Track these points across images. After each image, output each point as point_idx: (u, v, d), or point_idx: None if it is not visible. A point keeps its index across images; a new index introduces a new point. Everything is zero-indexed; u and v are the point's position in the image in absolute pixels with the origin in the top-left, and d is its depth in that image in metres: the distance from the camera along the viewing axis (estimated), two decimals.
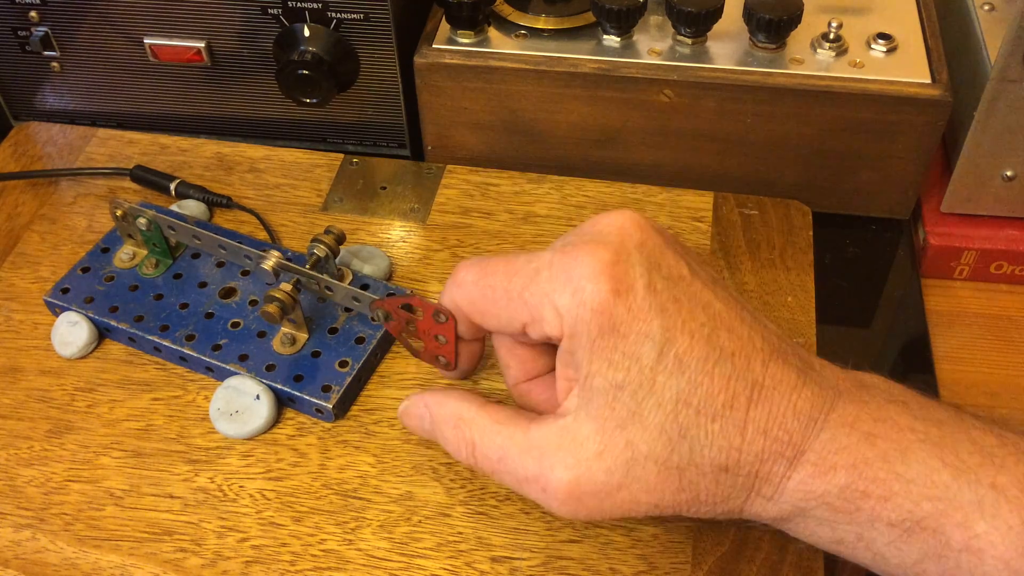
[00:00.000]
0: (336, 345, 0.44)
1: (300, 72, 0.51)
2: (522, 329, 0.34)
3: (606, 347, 0.31)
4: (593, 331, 0.31)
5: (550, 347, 0.36)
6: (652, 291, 0.31)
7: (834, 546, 0.32)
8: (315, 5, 0.51)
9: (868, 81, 0.49)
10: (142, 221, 0.46)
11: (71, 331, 0.46)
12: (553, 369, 0.35)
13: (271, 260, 0.43)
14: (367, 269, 0.47)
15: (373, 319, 0.41)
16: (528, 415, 0.34)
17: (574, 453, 0.31)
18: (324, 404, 0.42)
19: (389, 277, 0.49)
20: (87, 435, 0.43)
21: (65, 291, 0.47)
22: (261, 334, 0.45)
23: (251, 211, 0.52)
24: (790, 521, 0.32)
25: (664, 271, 0.32)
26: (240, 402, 0.42)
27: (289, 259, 0.44)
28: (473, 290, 0.35)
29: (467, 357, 0.40)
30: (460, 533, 0.39)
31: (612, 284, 0.31)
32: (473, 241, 0.50)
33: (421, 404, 0.37)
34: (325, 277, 0.43)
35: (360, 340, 0.44)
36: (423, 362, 0.42)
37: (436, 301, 0.38)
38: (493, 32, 0.53)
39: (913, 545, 0.30)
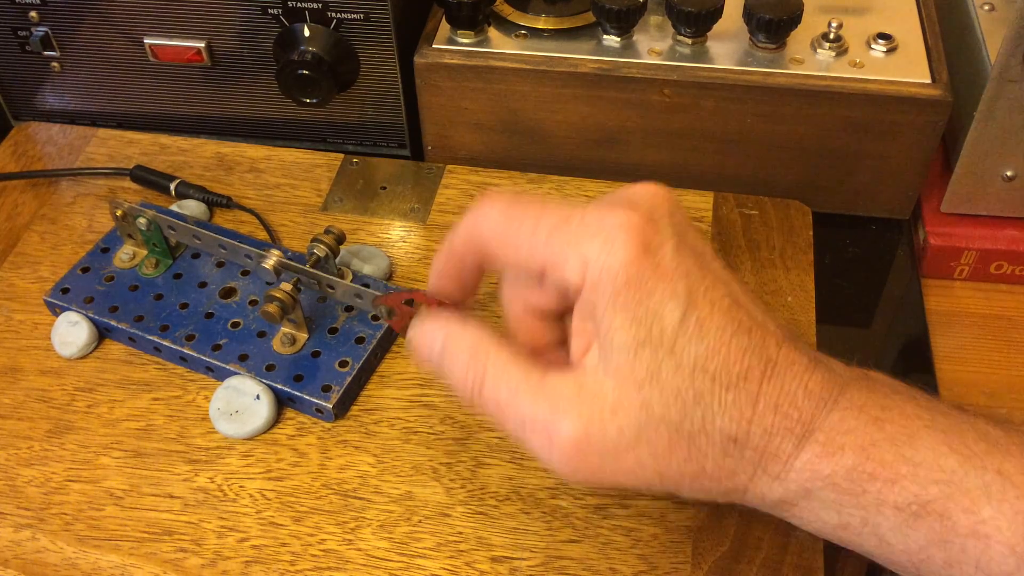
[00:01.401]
0: (336, 345, 0.44)
1: (300, 72, 0.51)
2: (540, 270, 0.33)
3: (630, 301, 0.31)
4: (619, 282, 0.31)
5: (559, 319, 0.36)
6: (680, 255, 0.31)
7: (839, 532, 0.32)
8: (315, 5, 0.51)
9: (868, 81, 0.49)
10: (142, 221, 0.46)
11: (71, 331, 0.46)
12: (560, 342, 0.35)
13: (272, 259, 0.43)
14: (367, 269, 0.47)
15: (376, 316, 0.41)
16: (544, 363, 0.33)
17: (588, 405, 0.31)
18: (324, 404, 0.42)
19: (389, 277, 0.49)
20: (87, 435, 0.43)
21: (65, 291, 0.47)
22: (261, 334, 0.45)
23: (251, 211, 0.52)
24: (795, 505, 0.32)
25: (690, 242, 0.32)
26: (240, 402, 0.42)
27: (289, 259, 0.44)
28: (498, 219, 0.33)
29: (462, 292, 0.37)
30: (460, 533, 0.39)
31: (643, 240, 0.31)
32: None
33: (437, 326, 0.35)
34: (326, 275, 0.43)
35: (360, 340, 0.44)
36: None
37: (438, 296, 0.37)
38: (493, 32, 0.53)
39: (919, 530, 0.30)
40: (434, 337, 0.35)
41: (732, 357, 0.31)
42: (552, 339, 0.36)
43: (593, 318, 0.32)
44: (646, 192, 0.33)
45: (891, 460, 0.30)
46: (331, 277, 0.43)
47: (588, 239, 0.31)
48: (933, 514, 0.30)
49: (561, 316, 0.35)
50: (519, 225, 0.33)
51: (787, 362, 0.31)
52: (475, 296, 0.37)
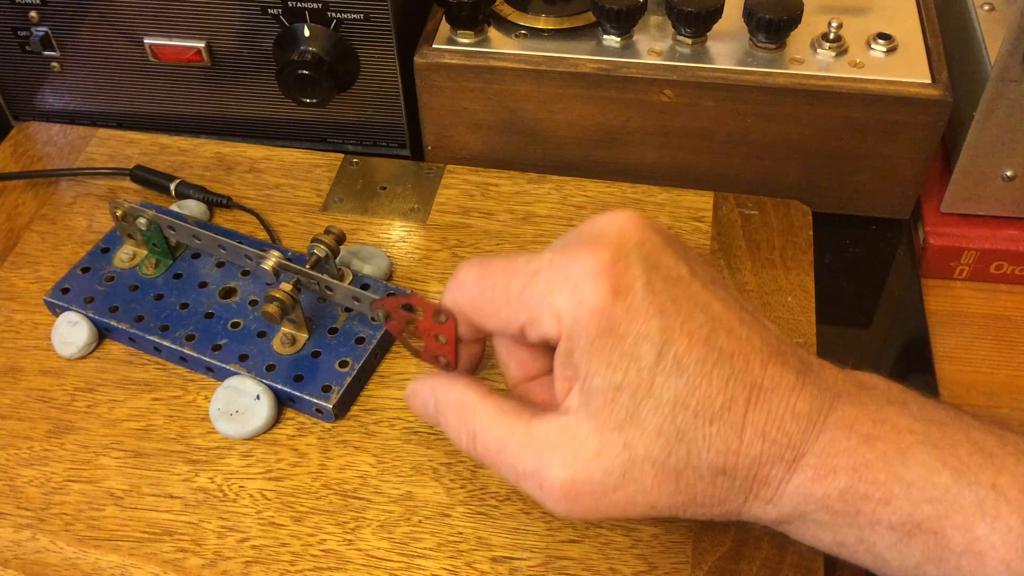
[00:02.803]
0: (336, 345, 0.44)
1: (300, 72, 0.51)
2: (520, 330, 0.34)
3: (604, 348, 0.31)
4: (592, 332, 0.31)
5: (549, 348, 0.36)
6: (651, 291, 0.31)
7: (835, 548, 0.32)
8: (315, 5, 0.51)
9: (868, 81, 0.49)
10: (142, 221, 0.46)
11: (71, 331, 0.46)
12: (552, 370, 0.35)
13: (271, 260, 0.43)
14: (367, 269, 0.47)
15: (373, 319, 0.41)
16: (531, 409, 0.34)
17: (572, 452, 0.31)
18: (324, 404, 0.42)
19: (389, 277, 0.49)
20: (87, 435, 0.43)
21: (65, 291, 0.47)
22: (261, 334, 0.45)
23: (251, 211, 0.52)
24: (790, 524, 0.32)
25: (663, 271, 0.32)
26: (240, 402, 0.42)
27: (289, 259, 0.44)
28: (473, 290, 0.35)
29: (467, 358, 0.40)
30: (460, 533, 0.39)
31: (611, 284, 0.31)
32: (473, 241, 0.50)
33: (427, 388, 0.37)
34: (325, 277, 0.43)
35: (360, 340, 0.44)
36: (423, 362, 0.42)
37: (436, 301, 0.38)
38: (493, 32, 0.53)
39: (914, 548, 0.30)
40: (425, 399, 0.37)
41: (714, 389, 0.31)
42: (543, 368, 0.37)
43: (572, 366, 0.32)
44: (611, 224, 0.33)
45: (884, 480, 0.30)
46: (329, 279, 0.43)
47: (557, 292, 0.32)
48: (927, 532, 0.30)
49: (550, 348, 0.35)
50: (491, 293, 0.34)
51: (772, 384, 0.31)
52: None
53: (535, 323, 0.33)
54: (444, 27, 0.53)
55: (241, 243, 0.45)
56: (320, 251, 0.44)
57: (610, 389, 0.31)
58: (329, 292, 0.43)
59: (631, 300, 0.31)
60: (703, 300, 0.32)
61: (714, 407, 0.30)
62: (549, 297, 0.32)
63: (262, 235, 0.50)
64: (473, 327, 0.36)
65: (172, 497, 0.41)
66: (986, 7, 0.51)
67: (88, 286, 0.47)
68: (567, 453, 0.32)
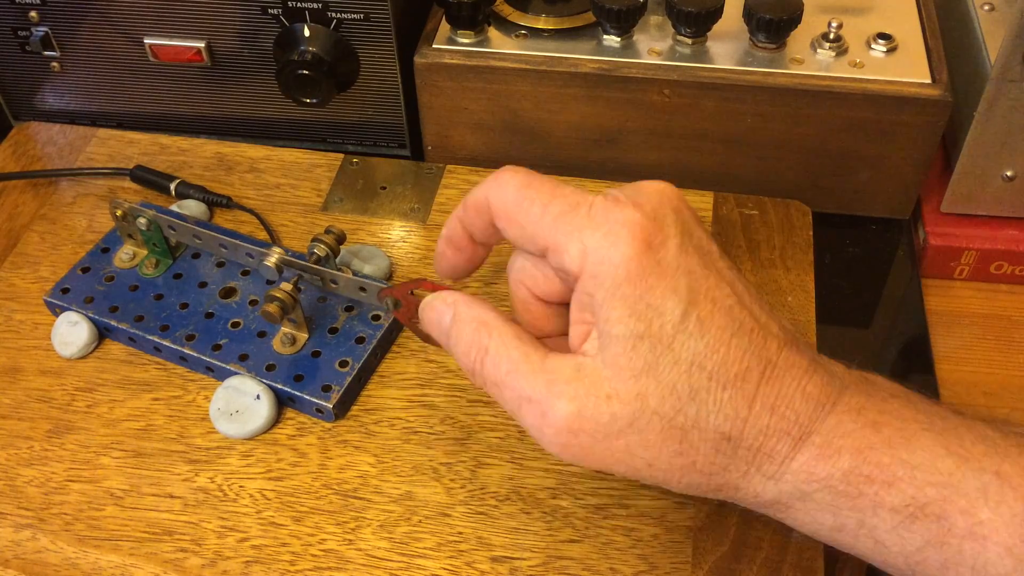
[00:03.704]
0: (336, 345, 0.44)
1: (300, 72, 0.51)
2: (541, 251, 0.34)
3: (631, 295, 0.31)
4: (620, 277, 0.31)
5: (563, 308, 0.36)
6: (683, 252, 0.31)
7: (834, 534, 0.32)
8: (315, 5, 0.51)
9: (868, 81, 0.49)
10: (142, 221, 0.46)
11: (71, 331, 0.46)
12: (564, 333, 0.35)
13: (274, 256, 0.43)
14: (367, 269, 0.47)
15: (374, 318, 0.41)
16: (547, 347, 0.34)
17: (585, 388, 0.31)
18: (324, 404, 0.42)
19: (389, 277, 0.49)
20: (87, 435, 0.43)
21: (65, 291, 0.47)
22: (261, 334, 0.45)
23: (251, 211, 0.52)
24: (791, 506, 0.32)
25: (695, 241, 0.32)
26: (240, 402, 0.42)
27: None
28: (512, 193, 0.34)
29: (469, 260, 0.39)
30: (460, 533, 0.39)
31: (646, 235, 0.31)
32: None
33: (448, 300, 0.36)
34: (330, 270, 0.43)
35: (360, 340, 0.44)
36: (431, 347, 0.42)
37: (445, 285, 0.37)
38: (493, 32, 0.53)
39: (915, 532, 0.30)
40: (443, 310, 0.36)
41: (731, 357, 0.31)
42: (556, 327, 0.37)
43: (591, 309, 0.32)
44: (653, 190, 0.33)
45: (888, 463, 0.30)
46: (335, 272, 0.43)
47: (592, 229, 0.32)
48: (930, 516, 0.30)
49: (565, 305, 0.35)
50: (530, 204, 0.33)
51: (786, 365, 0.31)
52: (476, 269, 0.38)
53: (559, 251, 0.33)
54: (444, 27, 0.53)
55: (241, 242, 0.45)
56: (320, 251, 0.44)
57: (631, 337, 0.31)
58: (334, 285, 0.43)
59: (664, 255, 0.31)
60: (729, 277, 0.32)
61: (729, 373, 0.31)
62: (583, 232, 0.32)
63: (262, 235, 0.50)
64: (491, 229, 0.36)
65: (172, 497, 0.41)
66: (986, 7, 0.51)
67: (88, 286, 0.47)
68: (579, 388, 0.31)
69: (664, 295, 0.31)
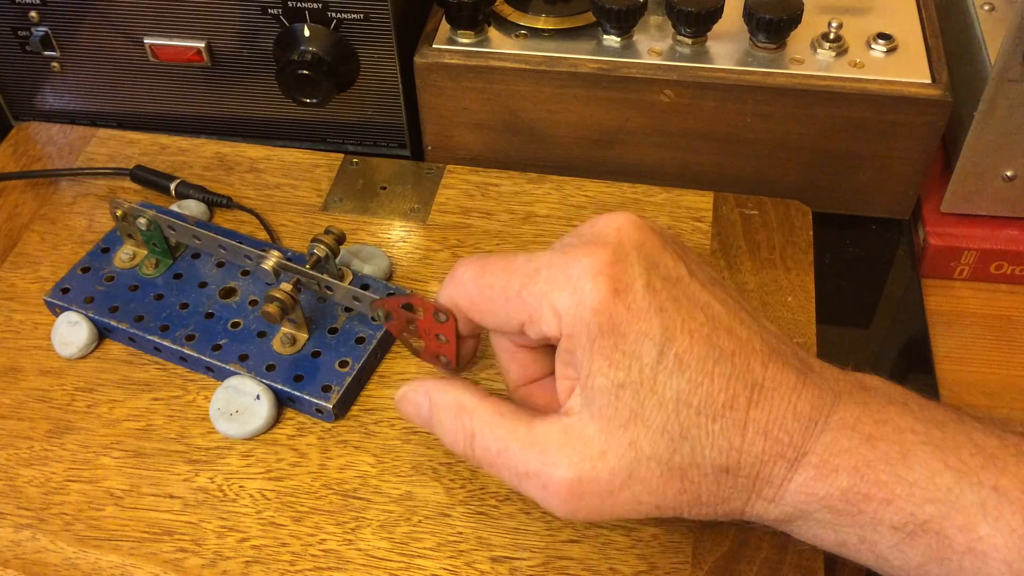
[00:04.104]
0: (336, 345, 0.44)
1: (300, 72, 0.51)
2: (520, 328, 0.34)
3: (606, 346, 0.31)
4: (593, 330, 0.31)
5: (549, 350, 0.36)
6: (651, 290, 0.31)
7: (837, 548, 0.32)
8: (315, 5, 0.51)
9: (868, 81, 0.49)
10: (142, 221, 0.46)
11: (71, 331, 0.46)
12: (553, 372, 0.35)
13: (271, 260, 0.43)
14: (367, 269, 0.47)
15: (374, 319, 0.41)
16: (531, 411, 0.34)
17: (578, 451, 0.31)
18: (324, 404, 0.42)
19: (389, 277, 0.49)
20: (87, 435, 0.43)
21: (65, 291, 0.47)
22: (261, 334, 0.45)
23: (251, 211, 0.52)
24: (792, 523, 0.32)
25: (662, 271, 0.32)
26: (240, 402, 0.42)
27: (289, 259, 0.44)
28: (471, 288, 0.35)
29: (463, 353, 0.40)
30: (460, 533, 0.39)
31: (611, 284, 0.31)
32: (473, 241, 0.50)
33: (421, 390, 0.36)
34: (325, 277, 0.43)
35: (360, 340, 0.44)
36: (424, 361, 0.42)
37: (435, 300, 0.38)
38: (493, 32, 0.53)
39: (916, 548, 0.30)
40: (419, 402, 0.36)
41: (716, 387, 0.31)
42: (545, 369, 0.37)
43: (573, 365, 0.32)
44: (610, 226, 0.33)
45: (886, 480, 0.30)
46: (330, 279, 0.43)
47: (558, 291, 0.32)
48: (930, 532, 0.30)
49: (551, 347, 0.35)
50: (491, 292, 0.34)
51: (773, 384, 0.31)
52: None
53: (535, 322, 0.33)
54: (444, 27, 0.53)
55: (241, 243, 0.45)
56: (320, 251, 0.44)
57: (613, 387, 0.31)
58: (329, 292, 0.43)
59: (632, 299, 0.31)
60: (703, 300, 0.32)
61: (716, 405, 0.30)
62: (549, 296, 0.32)
63: (262, 235, 0.50)
64: (470, 323, 0.36)
65: (172, 497, 0.41)
66: (986, 7, 0.51)
67: (88, 286, 0.47)
68: (572, 452, 0.31)
69: (638, 340, 0.31)
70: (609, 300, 0.31)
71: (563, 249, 0.33)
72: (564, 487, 0.31)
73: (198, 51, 0.54)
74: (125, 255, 0.48)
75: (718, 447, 0.31)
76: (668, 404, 0.31)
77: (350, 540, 0.39)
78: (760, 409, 0.31)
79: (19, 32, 0.56)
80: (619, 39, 0.52)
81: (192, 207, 0.51)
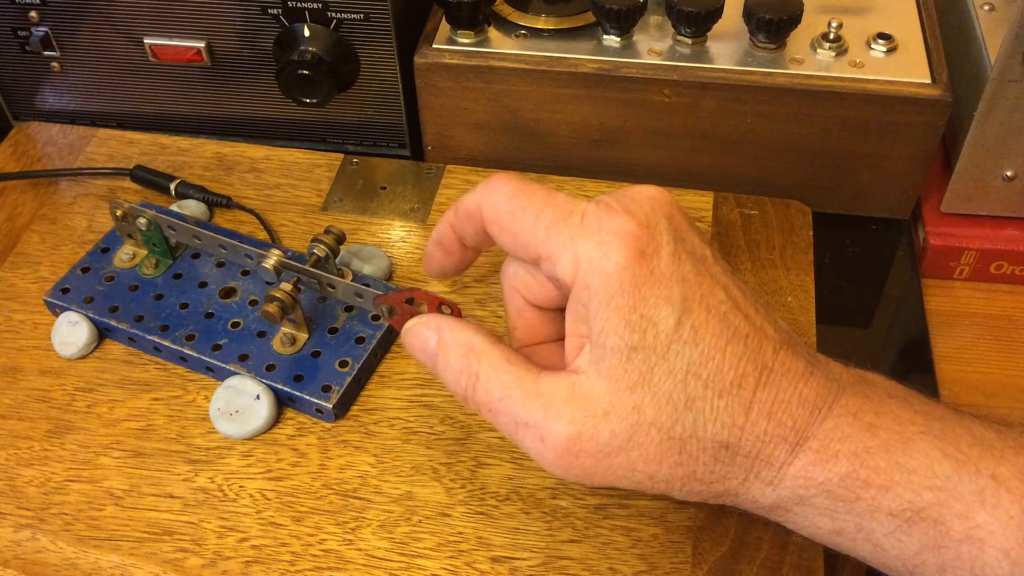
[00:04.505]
0: (336, 345, 0.44)
1: (300, 72, 0.51)
2: (534, 260, 0.33)
3: (624, 305, 0.31)
4: (613, 286, 0.31)
5: (558, 314, 0.36)
6: (676, 259, 0.31)
7: (833, 537, 0.32)
8: (315, 5, 0.51)
9: (868, 81, 0.49)
10: (142, 221, 0.46)
11: (71, 331, 0.46)
12: (559, 338, 0.35)
13: (272, 258, 0.43)
14: (367, 269, 0.47)
15: (374, 318, 0.41)
16: (539, 366, 0.33)
17: (581, 407, 0.31)
18: (324, 404, 0.42)
19: (389, 277, 0.49)
20: (87, 435, 0.43)
21: (65, 291, 0.47)
22: (261, 334, 0.45)
23: (251, 211, 0.52)
24: (789, 511, 0.32)
25: (688, 247, 0.32)
26: (240, 402, 0.42)
27: (289, 259, 0.44)
28: (503, 201, 0.34)
29: (458, 262, 0.39)
30: (460, 533, 0.39)
31: (639, 245, 0.31)
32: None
33: (432, 325, 0.35)
34: (327, 274, 0.43)
35: (360, 340, 0.44)
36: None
37: (438, 294, 0.38)
38: (493, 32, 0.53)
39: (913, 536, 0.30)
40: (427, 336, 0.35)
41: (726, 363, 0.31)
42: (551, 333, 0.37)
43: (585, 320, 0.32)
44: (645, 196, 0.33)
45: (885, 467, 0.30)
46: (332, 276, 0.43)
47: (584, 239, 0.32)
48: (927, 520, 0.30)
49: (560, 311, 0.35)
50: (522, 213, 0.33)
51: (782, 369, 0.31)
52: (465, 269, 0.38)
53: (552, 260, 0.32)
54: (444, 27, 0.53)
55: (241, 243, 0.45)
56: (320, 251, 0.44)
57: (625, 348, 0.31)
58: (331, 289, 0.43)
59: (656, 264, 0.31)
60: (723, 282, 0.32)
61: (725, 381, 0.31)
62: (576, 241, 0.32)
63: (262, 235, 0.50)
64: (482, 235, 0.36)
65: (172, 497, 0.41)
66: (986, 7, 0.51)
67: (88, 286, 0.47)
68: (575, 408, 0.31)
69: (658, 304, 0.31)
70: (635, 260, 0.31)
71: (599, 203, 0.33)
72: (562, 442, 0.31)
73: (198, 51, 0.54)
74: (125, 255, 0.48)
75: (721, 422, 0.31)
76: (677, 373, 0.31)
77: (350, 540, 0.39)
78: (767, 391, 0.31)
79: (19, 32, 0.56)
80: (619, 39, 0.52)
81: (192, 207, 0.51)
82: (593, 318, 0.31)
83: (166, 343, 0.44)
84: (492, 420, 0.33)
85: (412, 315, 0.39)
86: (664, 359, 0.31)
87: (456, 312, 0.37)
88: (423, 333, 0.36)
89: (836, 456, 0.30)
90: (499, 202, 0.34)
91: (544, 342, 0.37)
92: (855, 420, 0.31)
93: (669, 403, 0.31)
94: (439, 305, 0.37)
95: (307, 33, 0.52)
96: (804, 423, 0.31)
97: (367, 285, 0.46)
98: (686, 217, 0.33)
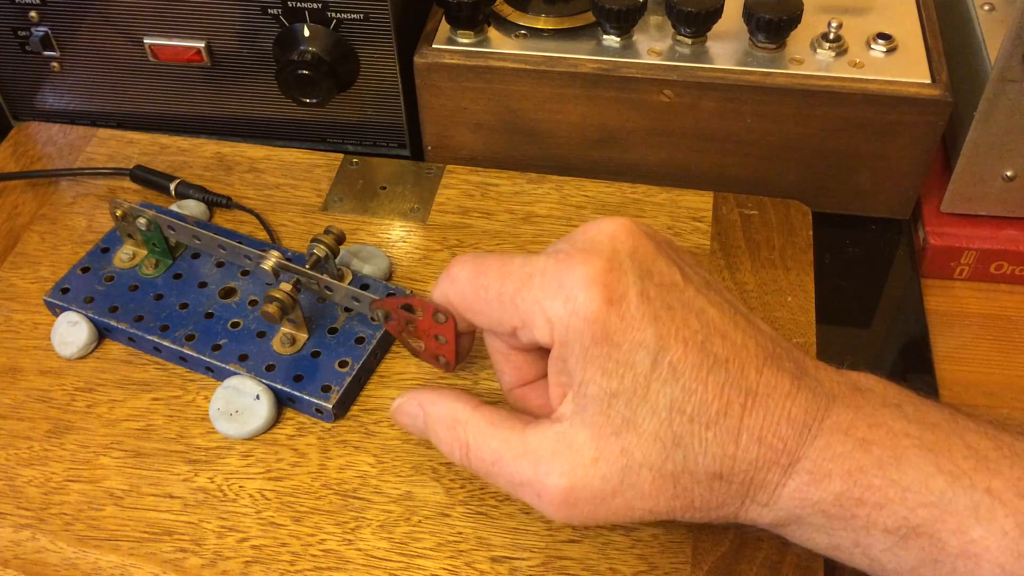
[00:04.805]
0: (336, 345, 0.44)
1: (300, 72, 0.51)
2: (512, 331, 0.34)
3: (599, 355, 0.31)
4: (586, 340, 0.31)
5: (543, 352, 0.36)
6: (645, 299, 0.31)
7: (831, 551, 0.32)
8: (315, 5, 0.51)
9: (868, 81, 0.49)
10: (142, 221, 0.46)
11: (71, 331, 0.46)
12: (547, 375, 0.35)
13: (271, 260, 0.43)
14: (367, 269, 0.47)
15: (373, 319, 0.41)
16: (524, 418, 0.34)
17: (570, 459, 0.32)
18: (324, 404, 0.42)
19: (389, 277, 0.49)
20: (87, 435, 0.43)
21: (65, 291, 0.47)
22: (261, 334, 0.45)
23: (251, 211, 0.52)
24: (786, 527, 0.32)
25: (657, 278, 0.32)
26: (240, 402, 0.42)
27: (289, 259, 0.44)
28: (466, 287, 0.35)
29: (460, 348, 0.40)
30: (460, 533, 0.39)
31: (605, 293, 0.31)
32: (473, 241, 0.50)
33: (415, 402, 0.37)
34: (325, 277, 0.43)
35: (360, 340, 0.44)
36: (423, 362, 0.42)
37: (427, 300, 0.38)
38: (493, 32, 0.53)
39: (909, 551, 0.30)
40: (415, 414, 0.37)
41: (710, 394, 0.31)
42: (539, 372, 0.37)
43: (566, 373, 0.32)
44: (604, 232, 0.33)
45: (879, 484, 0.30)
46: (329, 280, 0.43)
47: (551, 299, 0.32)
48: (923, 536, 0.30)
49: (544, 351, 0.35)
50: (485, 293, 0.34)
51: (767, 390, 0.31)
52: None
53: (527, 328, 0.33)
54: (444, 27, 0.53)
55: (241, 243, 0.45)
56: (320, 251, 0.44)
57: (606, 396, 0.31)
58: (329, 292, 0.43)
59: (625, 308, 0.31)
60: (697, 306, 0.32)
61: (710, 412, 0.31)
62: (542, 303, 0.32)
63: (262, 235, 0.50)
64: (463, 321, 0.37)
65: (172, 497, 0.41)
66: (986, 7, 0.51)
67: (88, 286, 0.47)
68: (564, 461, 0.32)
69: (632, 349, 0.31)
70: (603, 310, 0.31)
71: (557, 256, 0.33)
72: (558, 495, 0.32)
73: (198, 51, 0.54)
74: (125, 255, 0.48)
75: (712, 454, 0.31)
76: (661, 412, 0.31)
77: (350, 540, 0.39)
78: (754, 416, 0.31)
79: (19, 32, 0.56)
80: (619, 39, 0.52)
81: (192, 207, 0.51)
82: (572, 371, 0.32)
83: (166, 343, 0.44)
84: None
85: (408, 321, 0.39)
86: (645, 400, 0.31)
87: (451, 320, 0.37)
88: (409, 411, 0.37)
89: (829, 475, 0.30)
90: (462, 290, 0.35)
91: (534, 381, 0.37)
92: (846, 437, 0.31)
93: (656, 442, 0.31)
94: (434, 312, 0.37)
95: (307, 33, 0.52)
96: (795, 444, 0.31)
97: (366, 286, 0.46)
98: (651, 241, 0.33)
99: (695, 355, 0.31)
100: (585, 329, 0.31)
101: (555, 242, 0.34)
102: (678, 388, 0.31)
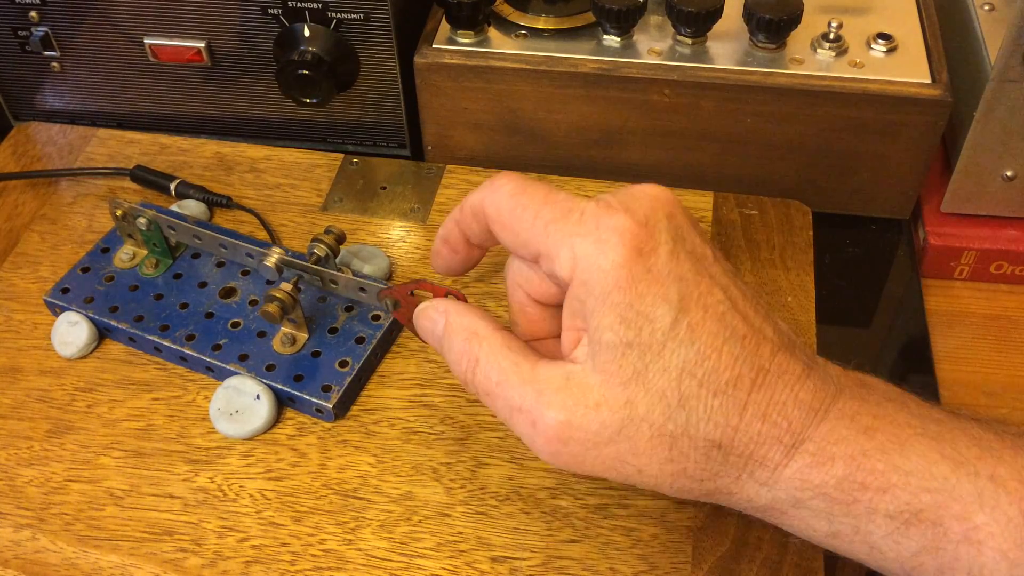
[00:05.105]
0: (336, 345, 0.44)
1: (300, 72, 0.51)
2: (534, 257, 0.34)
3: (620, 303, 0.31)
4: (609, 284, 0.31)
5: (558, 310, 0.36)
6: (675, 259, 0.31)
7: (830, 540, 0.32)
8: (315, 5, 0.51)
9: (868, 81, 0.49)
10: (142, 221, 0.46)
11: (71, 331, 0.46)
12: (559, 335, 0.35)
13: (274, 256, 0.43)
14: (367, 269, 0.47)
15: (374, 318, 0.41)
16: (539, 353, 0.34)
17: (573, 397, 0.31)
18: (324, 404, 0.42)
19: (389, 277, 0.49)
20: (87, 435, 0.43)
21: (65, 291, 0.47)
22: (261, 334, 0.45)
23: (251, 211, 0.52)
24: (785, 512, 0.32)
25: (688, 246, 0.32)
26: (240, 402, 0.42)
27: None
28: (505, 199, 0.35)
29: (464, 261, 0.40)
30: (460, 533, 0.39)
31: (637, 243, 0.31)
32: None
33: (440, 308, 0.36)
34: (329, 270, 0.43)
35: (360, 340, 0.44)
36: (432, 348, 0.42)
37: (444, 285, 0.38)
38: (493, 32, 0.53)
39: (911, 538, 0.30)
40: (436, 319, 0.36)
41: (722, 364, 0.31)
42: (552, 330, 0.37)
43: (582, 315, 0.32)
44: (646, 195, 0.33)
45: (882, 469, 0.30)
46: (335, 272, 0.43)
47: (582, 236, 0.32)
48: (925, 522, 0.30)
49: (561, 307, 0.35)
50: (522, 211, 0.34)
51: (779, 371, 0.31)
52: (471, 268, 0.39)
53: (550, 257, 0.33)
54: (444, 27, 0.53)
55: (241, 242, 0.45)
56: (320, 251, 0.44)
57: (621, 345, 0.31)
58: (334, 286, 0.43)
59: (654, 262, 0.31)
60: (723, 282, 0.32)
61: (720, 381, 0.31)
62: (574, 239, 0.32)
63: (262, 235, 0.50)
64: (487, 233, 0.36)
65: (172, 497, 0.41)
66: (986, 7, 0.51)
67: (88, 286, 0.47)
68: (567, 397, 0.32)
69: (654, 302, 0.31)
70: (632, 258, 0.31)
71: (599, 202, 0.33)
72: (552, 428, 0.32)
73: (198, 51, 0.54)
74: (125, 255, 0.48)
75: (714, 422, 0.31)
76: (672, 371, 0.31)
77: (350, 540, 0.39)
78: (762, 393, 0.31)
79: (19, 32, 0.56)
80: (619, 39, 0.52)
81: (192, 207, 0.51)
82: (590, 314, 0.32)
83: (166, 343, 0.44)
84: (489, 404, 0.34)
85: (416, 308, 0.39)
86: (659, 357, 0.31)
87: (462, 300, 0.37)
88: (432, 315, 0.36)
89: (832, 459, 0.30)
90: (501, 200, 0.35)
91: (546, 338, 0.37)
92: (852, 423, 0.31)
93: (662, 400, 0.31)
94: (445, 295, 0.37)
95: (307, 33, 0.52)
96: (800, 425, 0.31)
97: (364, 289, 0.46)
98: (688, 216, 0.33)
99: (714, 323, 0.31)
100: (610, 272, 0.31)
101: (601, 193, 0.34)
102: (693, 351, 0.31)
